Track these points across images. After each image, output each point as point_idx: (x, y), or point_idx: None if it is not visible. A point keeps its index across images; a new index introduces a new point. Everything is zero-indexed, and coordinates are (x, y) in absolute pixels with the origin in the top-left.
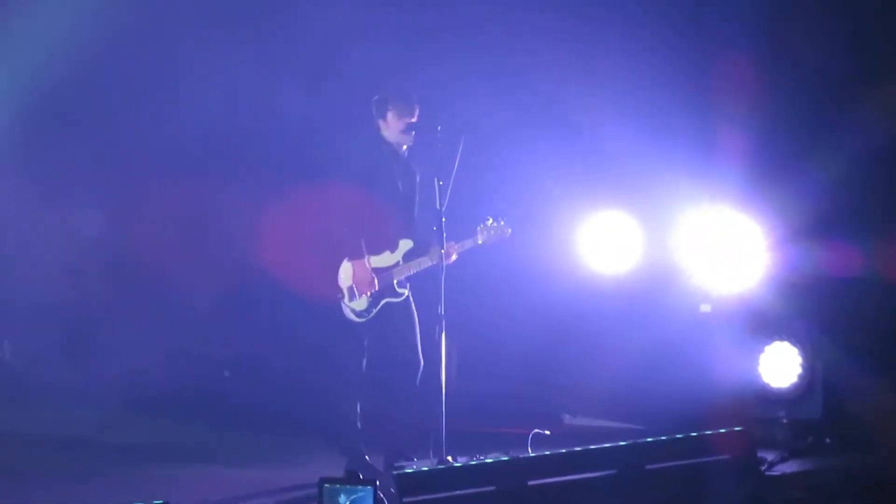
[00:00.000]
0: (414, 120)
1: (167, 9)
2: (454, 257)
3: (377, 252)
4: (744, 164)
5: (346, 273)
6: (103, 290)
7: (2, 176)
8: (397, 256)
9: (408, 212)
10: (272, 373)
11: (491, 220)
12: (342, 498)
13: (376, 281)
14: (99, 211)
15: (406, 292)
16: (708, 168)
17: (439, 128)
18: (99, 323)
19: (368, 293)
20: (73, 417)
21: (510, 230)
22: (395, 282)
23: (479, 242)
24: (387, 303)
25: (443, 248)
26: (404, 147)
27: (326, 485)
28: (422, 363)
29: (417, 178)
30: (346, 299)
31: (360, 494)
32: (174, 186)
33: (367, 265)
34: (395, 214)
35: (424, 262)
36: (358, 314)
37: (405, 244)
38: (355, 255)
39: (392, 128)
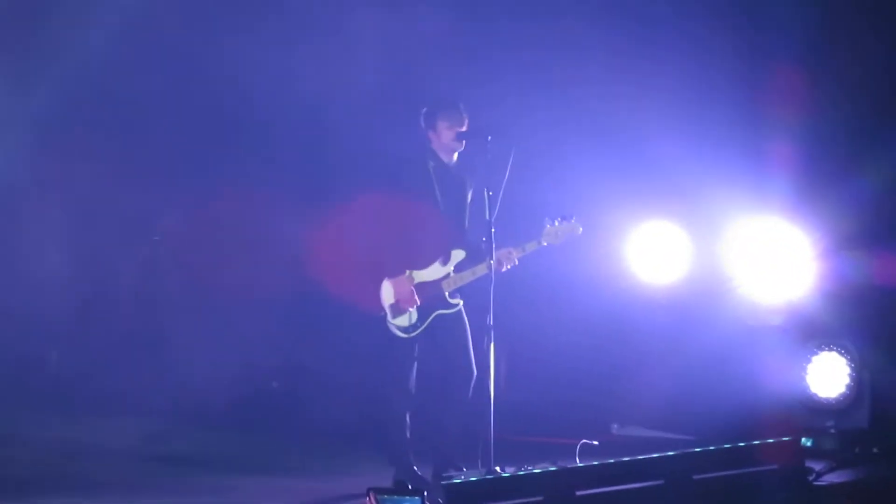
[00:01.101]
0: (464, 129)
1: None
2: (515, 262)
3: (424, 266)
4: (792, 173)
5: (387, 292)
6: (151, 301)
7: (47, 181)
8: (448, 268)
9: (457, 222)
10: (321, 383)
11: (558, 221)
12: None
13: (416, 296)
14: (147, 222)
15: (459, 302)
16: (756, 178)
17: (489, 138)
18: (146, 334)
19: (412, 308)
20: (121, 428)
21: (581, 228)
22: (446, 293)
23: (545, 244)
24: (438, 315)
25: (492, 259)
26: (454, 157)
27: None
28: (475, 372)
29: (468, 188)
30: (390, 317)
31: None
32: (222, 196)
33: (408, 281)
34: (442, 226)
35: (480, 271)
36: (404, 330)
37: (457, 255)
38: (394, 273)
39: (443, 138)
